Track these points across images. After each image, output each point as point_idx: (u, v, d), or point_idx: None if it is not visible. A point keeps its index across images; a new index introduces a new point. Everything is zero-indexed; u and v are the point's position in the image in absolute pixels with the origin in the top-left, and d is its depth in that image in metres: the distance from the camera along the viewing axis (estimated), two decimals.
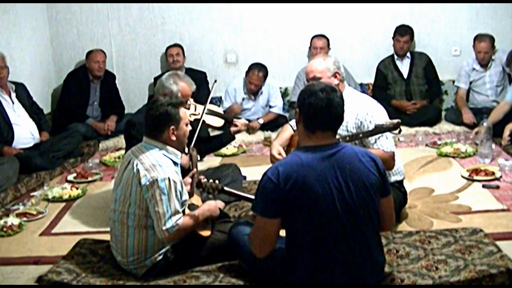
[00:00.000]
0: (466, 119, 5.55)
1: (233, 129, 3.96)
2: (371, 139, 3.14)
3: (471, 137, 5.07)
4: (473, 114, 5.60)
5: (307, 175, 2.28)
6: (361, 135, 3.02)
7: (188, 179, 3.14)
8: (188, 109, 3.72)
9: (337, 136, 3.19)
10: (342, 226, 2.32)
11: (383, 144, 3.16)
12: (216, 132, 4.46)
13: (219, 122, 4.14)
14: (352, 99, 3.25)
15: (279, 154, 3.33)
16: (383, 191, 2.44)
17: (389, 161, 3.15)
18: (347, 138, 3.00)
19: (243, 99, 5.92)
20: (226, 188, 2.70)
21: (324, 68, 3.23)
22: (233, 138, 4.06)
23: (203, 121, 3.78)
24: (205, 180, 2.75)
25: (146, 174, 2.74)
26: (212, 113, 4.11)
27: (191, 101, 3.80)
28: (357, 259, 2.36)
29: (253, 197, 2.63)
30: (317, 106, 2.36)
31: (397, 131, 2.91)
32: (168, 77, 3.58)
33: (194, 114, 3.84)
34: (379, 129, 2.96)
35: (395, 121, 2.89)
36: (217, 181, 2.76)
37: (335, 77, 3.25)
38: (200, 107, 3.91)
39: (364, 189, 2.34)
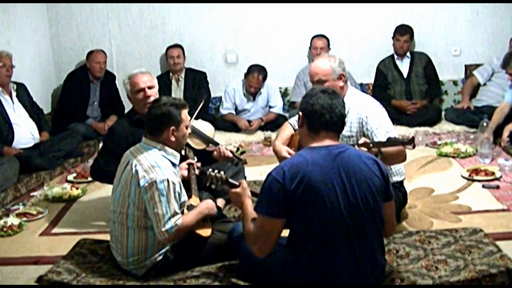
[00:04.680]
0: (460, 104, 5.89)
1: (215, 154, 3.64)
2: (381, 136, 3.11)
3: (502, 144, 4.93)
4: (473, 113, 5.61)
5: (312, 174, 2.29)
6: (371, 144, 2.94)
7: (184, 165, 3.17)
8: None
9: (345, 140, 3.21)
10: (345, 226, 2.32)
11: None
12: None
13: (199, 144, 3.66)
14: (355, 100, 3.24)
15: (289, 154, 3.30)
16: (386, 195, 2.44)
17: (403, 152, 3.11)
18: (356, 146, 2.96)
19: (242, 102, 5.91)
20: (230, 180, 2.67)
21: (329, 71, 3.17)
22: (215, 162, 3.72)
23: None
24: (210, 170, 2.73)
25: (145, 175, 2.73)
26: (197, 134, 3.67)
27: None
28: (359, 260, 2.35)
29: (257, 192, 2.64)
30: (319, 106, 2.39)
31: (411, 146, 2.87)
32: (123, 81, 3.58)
33: None
34: (392, 142, 2.89)
35: (410, 136, 2.86)
36: (222, 172, 2.73)
37: (340, 79, 3.19)
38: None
39: (368, 191, 2.34)
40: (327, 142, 2.40)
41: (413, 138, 2.85)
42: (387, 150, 2.95)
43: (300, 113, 2.47)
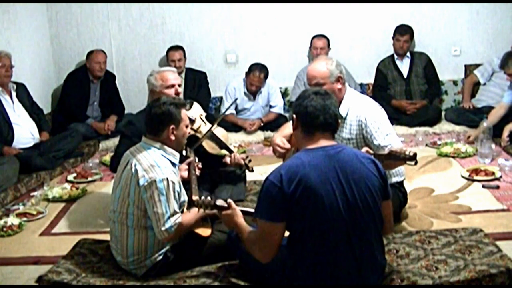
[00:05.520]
0: (465, 104, 5.88)
1: (225, 160, 3.75)
2: (380, 138, 3.11)
3: (468, 140, 5.14)
4: (473, 113, 5.62)
5: (309, 175, 2.29)
6: (373, 156, 2.91)
7: (184, 166, 3.18)
8: (193, 122, 3.62)
9: (344, 142, 3.20)
10: (345, 226, 2.32)
11: (392, 142, 3.11)
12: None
13: (214, 149, 3.74)
14: (355, 102, 3.24)
15: (283, 143, 3.31)
16: (384, 194, 2.44)
17: None
18: None
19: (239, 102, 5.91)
20: (218, 203, 2.66)
21: (327, 73, 3.15)
22: (224, 166, 3.84)
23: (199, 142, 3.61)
24: (197, 198, 2.73)
25: (145, 174, 2.74)
26: (213, 138, 3.74)
27: (202, 116, 3.72)
28: (359, 259, 2.36)
29: (249, 210, 2.63)
30: (313, 107, 2.40)
31: (413, 163, 2.80)
32: (147, 77, 3.61)
33: (195, 130, 3.62)
34: (394, 156, 2.84)
35: (412, 152, 2.83)
36: (208, 198, 2.72)
37: (338, 81, 3.19)
38: (205, 128, 3.69)
39: (367, 190, 2.34)
40: (323, 143, 2.40)
41: (415, 154, 2.77)
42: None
43: (294, 116, 2.47)
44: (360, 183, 2.33)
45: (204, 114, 3.83)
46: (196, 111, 3.76)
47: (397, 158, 2.83)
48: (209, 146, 3.69)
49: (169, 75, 3.56)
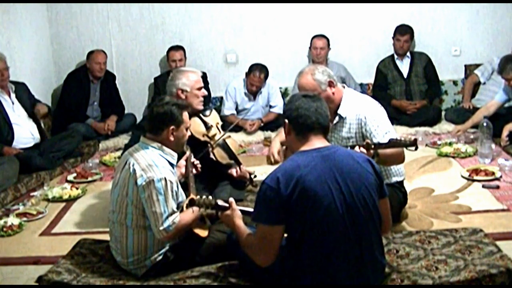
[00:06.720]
0: (465, 104, 5.88)
1: (231, 171, 3.72)
2: (379, 136, 3.11)
3: (454, 134, 5.30)
4: (473, 113, 5.62)
5: (306, 176, 2.29)
6: (373, 146, 2.93)
7: (182, 162, 3.18)
8: (209, 129, 3.63)
9: (344, 141, 3.21)
10: (344, 226, 2.32)
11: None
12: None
13: (223, 158, 3.68)
14: (354, 101, 3.24)
15: (279, 155, 3.33)
16: (380, 192, 2.45)
17: (401, 155, 3.12)
18: (356, 146, 2.96)
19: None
20: (220, 203, 2.66)
21: (315, 84, 3.13)
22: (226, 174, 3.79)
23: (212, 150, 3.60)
24: (198, 197, 2.73)
25: (143, 174, 2.74)
26: (225, 148, 3.69)
27: (218, 125, 3.72)
28: (360, 259, 2.35)
29: (249, 210, 2.63)
30: (304, 109, 2.41)
31: (413, 148, 2.86)
32: (172, 77, 3.57)
33: (208, 137, 3.61)
34: (395, 143, 2.89)
35: (413, 138, 2.85)
36: (210, 197, 2.72)
37: (330, 86, 3.17)
38: (219, 136, 3.67)
39: (364, 189, 2.34)
40: (317, 145, 2.41)
41: (415, 140, 2.83)
42: (384, 152, 2.95)
43: (286, 121, 2.47)
44: (357, 182, 2.34)
45: (221, 123, 3.81)
46: (213, 118, 3.74)
47: (398, 145, 2.88)
48: (219, 154, 3.66)
49: (198, 76, 3.55)
